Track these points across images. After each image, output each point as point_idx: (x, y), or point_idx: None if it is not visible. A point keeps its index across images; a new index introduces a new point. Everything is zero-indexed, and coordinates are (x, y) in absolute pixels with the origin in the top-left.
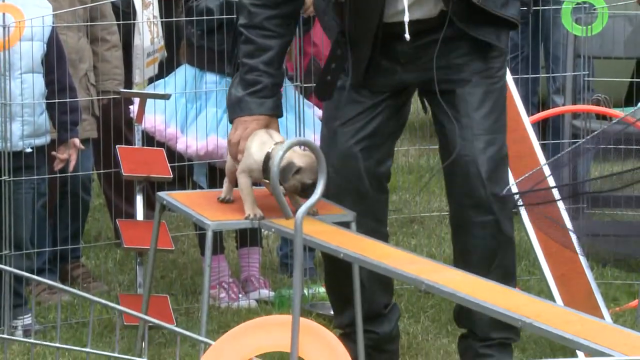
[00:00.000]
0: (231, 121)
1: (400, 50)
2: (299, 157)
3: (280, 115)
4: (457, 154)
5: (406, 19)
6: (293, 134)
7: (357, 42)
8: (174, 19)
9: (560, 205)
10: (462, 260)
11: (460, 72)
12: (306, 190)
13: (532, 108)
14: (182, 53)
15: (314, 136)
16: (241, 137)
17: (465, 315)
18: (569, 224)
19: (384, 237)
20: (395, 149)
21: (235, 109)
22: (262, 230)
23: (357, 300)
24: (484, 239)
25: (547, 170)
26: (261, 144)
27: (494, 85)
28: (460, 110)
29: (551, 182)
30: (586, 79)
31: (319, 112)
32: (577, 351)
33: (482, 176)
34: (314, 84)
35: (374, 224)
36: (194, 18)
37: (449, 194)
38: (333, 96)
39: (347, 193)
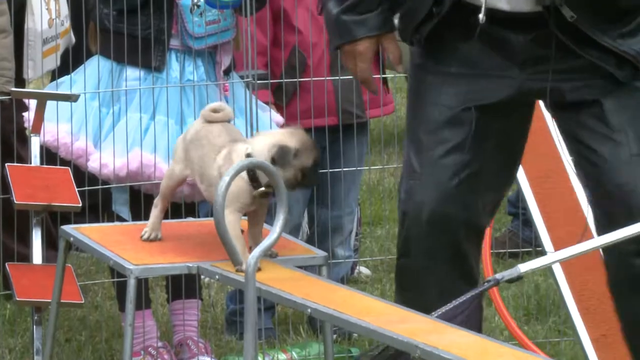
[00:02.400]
0: (335, 49)
1: (516, 44)
2: (290, 138)
3: (395, 29)
4: (613, 184)
5: None
6: None
7: None
8: None
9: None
10: (634, 334)
11: (604, 76)
12: (309, 177)
13: None
14: (93, 40)
15: None
16: (359, 73)
17: None
18: None
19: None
20: (382, 166)
21: (334, 34)
22: (203, 277)
23: None
24: None
25: None
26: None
27: None
28: (612, 124)
29: None
30: None
31: (277, 117)
32: None
33: None
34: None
35: (466, 287)
36: None
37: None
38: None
39: (438, 248)
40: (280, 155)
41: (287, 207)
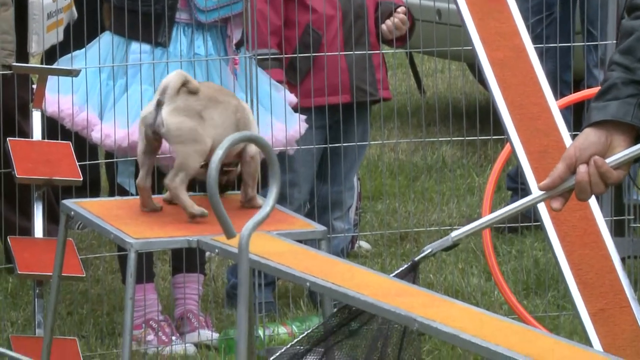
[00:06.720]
0: None
1: None
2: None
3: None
4: None
5: None
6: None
7: None
8: None
9: (599, 217)
10: None
11: None
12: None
13: (563, 88)
14: (107, 16)
15: (285, 128)
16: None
17: None
18: (609, 241)
19: None
20: (382, 141)
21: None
22: (206, 252)
23: None
24: None
25: None
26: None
27: None
28: None
29: None
30: None
31: (291, 97)
32: None
33: None
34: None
35: None
36: None
37: None
38: None
39: None
40: None
41: (280, 180)
